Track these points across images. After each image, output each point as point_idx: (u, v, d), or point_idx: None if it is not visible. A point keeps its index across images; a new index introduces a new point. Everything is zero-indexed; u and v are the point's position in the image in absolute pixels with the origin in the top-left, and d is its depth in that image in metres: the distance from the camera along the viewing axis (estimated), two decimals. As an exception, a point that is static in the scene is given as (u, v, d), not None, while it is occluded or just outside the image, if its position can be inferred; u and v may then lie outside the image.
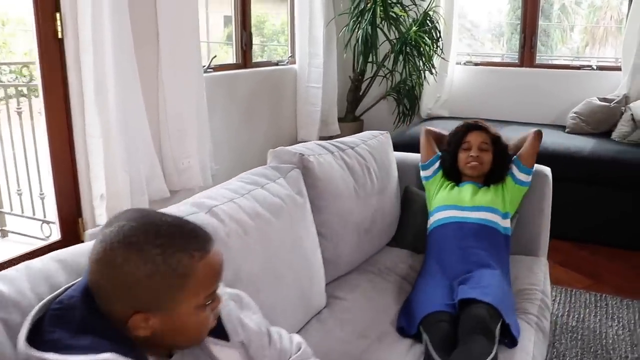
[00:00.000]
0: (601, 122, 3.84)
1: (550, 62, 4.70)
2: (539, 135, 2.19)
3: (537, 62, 4.52)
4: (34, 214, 3.43)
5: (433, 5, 4.20)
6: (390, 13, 4.06)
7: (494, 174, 2.14)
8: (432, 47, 4.18)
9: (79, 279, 0.93)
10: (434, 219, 2.11)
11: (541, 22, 4.69)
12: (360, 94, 4.57)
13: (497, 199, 2.08)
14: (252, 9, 3.92)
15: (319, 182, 1.86)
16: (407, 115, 4.56)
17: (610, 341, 2.36)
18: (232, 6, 3.78)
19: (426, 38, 4.11)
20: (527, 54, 4.48)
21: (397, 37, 4.18)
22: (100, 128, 2.49)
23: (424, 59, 4.17)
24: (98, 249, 0.86)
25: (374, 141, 2.27)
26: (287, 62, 4.39)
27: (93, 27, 2.34)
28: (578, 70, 4.35)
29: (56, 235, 2.68)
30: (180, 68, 2.93)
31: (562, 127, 4.08)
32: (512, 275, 1.99)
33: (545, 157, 2.54)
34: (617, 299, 2.69)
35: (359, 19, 4.10)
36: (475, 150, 2.13)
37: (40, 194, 3.29)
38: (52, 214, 2.71)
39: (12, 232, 3.40)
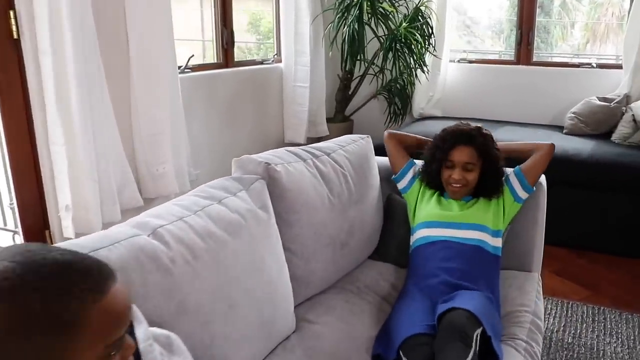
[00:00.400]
0: (601, 122, 3.67)
1: (548, 59, 4.52)
2: (552, 150, 1.99)
3: (534, 60, 4.35)
4: (5, 225, 3.26)
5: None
6: (378, 8, 3.89)
7: (484, 188, 1.95)
8: (423, 44, 4.00)
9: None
10: (417, 236, 1.94)
11: (541, 19, 4.53)
12: (350, 93, 4.41)
13: (487, 214, 1.89)
14: (247, 6, 3.74)
15: (288, 193, 1.70)
16: (398, 115, 4.39)
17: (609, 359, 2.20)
18: (211, 3, 3.61)
19: (417, 34, 3.93)
20: (523, 51, 4.31)
21: (386, 33, 4.00)
22: (63, 135, 2.33)
23: (415, 57, 4.00)
24: None
25: (353, 146, 2.11)
26: (273, 61, 4.22)
27: (51, 25, 2.16)
28: (577, 68, 4.17)
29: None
30: (152, 69, 2.77)
31: (559, 128, 3.91)
32: (501, 296, 1.83)
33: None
34: (616, 313, 2.52)
35: (345, 15, 3.93)
36: (459, 172, 1.91)
37: (10, 204, 3.12)
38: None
39: (-18, 243, 3.23)
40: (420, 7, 4.00)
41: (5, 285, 0.67)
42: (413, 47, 3.96)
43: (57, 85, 2.25)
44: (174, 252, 1.23)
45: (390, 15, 3.98)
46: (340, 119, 4.46)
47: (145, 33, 2.69)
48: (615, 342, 2.31)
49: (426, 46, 4.06)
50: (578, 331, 2.38)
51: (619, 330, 2.39)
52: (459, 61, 4.54)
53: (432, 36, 4.09)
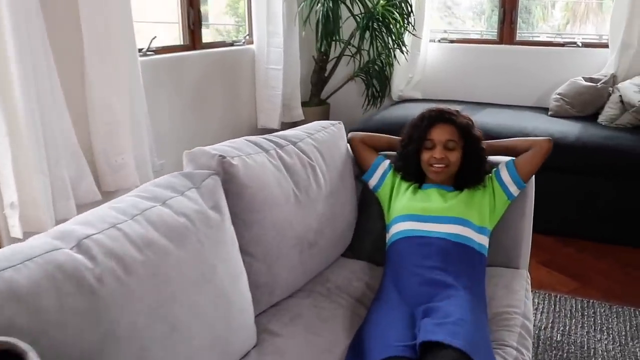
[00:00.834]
0: (587, 104, 3.51)
1: (532, 39, 4.34)
2: (550, 146, 1.78)
3: (517, 39, 4.18)
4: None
5: (403, -24, 3.82)
6: (354, -15, 3.68)
7: (466, 174, 1.77)
8: (402, 23, 3.80)
9: None
10: (393, 231, 1.75)
11: (524, -3, 4.33)
12: (326, 75, 4.20)
13: (471, 208, 1.71)
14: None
15: (246, 189, 1.51)
16: (377, 98, 4.20)
17: (600, 358, 2.05)
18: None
19: (395, 13, 3.73)
20: (506, 30, 4.13)
21: (363, 12, 3.79)
22: (5, 124, 2.11)
23: (393, 36, 3.80)
24: None
25: (322, 134, 1.91)
26: (244, 42, 4.00)
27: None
28: (562, 48, 4.01)
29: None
30: (108, 52, 2.54)
31: (544, 110, 3.75)
32: (487, 296, 1.66)
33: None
34: (606, 306, 2.38)
35: (319, -8, 3.71)
36: (440, 151, 1.73)
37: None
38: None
39: None
40: (399, -16, 3.80)
41: None
42: (391, 26, 3.76)
43: (-4, 71, 2.03)
44: (101, 268, 1.03)
45: (366, -8, 3.77)
46: (316, 102, 4.26)
47: (100, 10, 2.46)
48: (606, 338, 2.16)
49: (405, 25, 3.85)
50: (567, 327, 2.23)
51: (610, 326, 2.24)
52: (439, 41, 4.35)
53: (412, 15, 3.89)
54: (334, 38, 3.88)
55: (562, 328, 2.23)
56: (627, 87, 3.28)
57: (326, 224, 1.77)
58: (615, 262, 2.81)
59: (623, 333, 2.20)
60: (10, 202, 2.21)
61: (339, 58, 4.12)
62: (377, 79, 4.14)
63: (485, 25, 5.48)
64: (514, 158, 1.80)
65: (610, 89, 3.46)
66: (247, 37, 4.04)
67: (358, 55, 4.09)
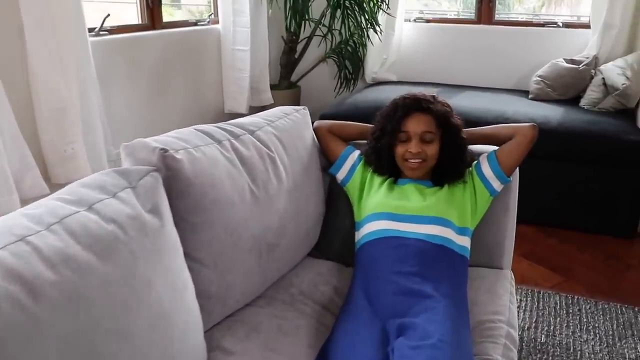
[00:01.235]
0: (569, 86, 3.36)
1: (511, 19, 4.17)
2: (535, 133, 1.58)
3: (496, 19, 4.00)
4: None
5: (376, -49, 3.61)
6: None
7: (445, 169, 1.59)
8: (375, 2, 3.60)
9: None
10: (365, 230, 1.56)
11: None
12: (296, 57, 3.99)
13: (452, 207, 1.53)
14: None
15: (193, 187, 1.30)
16: (350, 81, 4.01)
17: (587, 361, 1.91)
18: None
19: (369, -10, 3.52)
20: (485, 10, 3.96)
21: (334, -11, 3.59)
22: None
23: (366, 15, 3.59)
24: None
25: (284, 121, 1.71)
26: (209, 22, 3.76)
27: None
28: (542, 28, 3.84)
29: None
30: (52, 31, 2.31)
31: (524, 93, 3.59)
32: (469, 302, 1.49)
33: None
34: (592, 302, 2.24)
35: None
36: (416, 144, 1.54)
37: None
38: None
39: None
40: (372, -41, 3.59)
41: None
42: (364, 4, 3.56)
43: None
44: (-2, 294, 0.83)
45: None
46: (286, 85, 4.06)
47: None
48: (592, 339, 2.03)
49: (379, 3, 3.65)
50: (552, 327, 2.09)
51: (596, 325, 2.10)
52: (415, 20, 4.15)
53: (385, -8, 3.69)
54: (303, 17, 3.67)
55: (546, 328, 2.08)
56: (610, 69, 3.13)
57: (289, 222, 1.58)
58: (599, 253, 2.67)
59: (610, 332, 2.06)
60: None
61: (309, 38, 3.92)
62: (349, 60, 3.95)
63: (462, 6, 5.31)
64: (495, 149, 1.62)
65: (593, 71, 3.32)
66: (212, 16, 3.80)
67: (330, 36, 3.89)
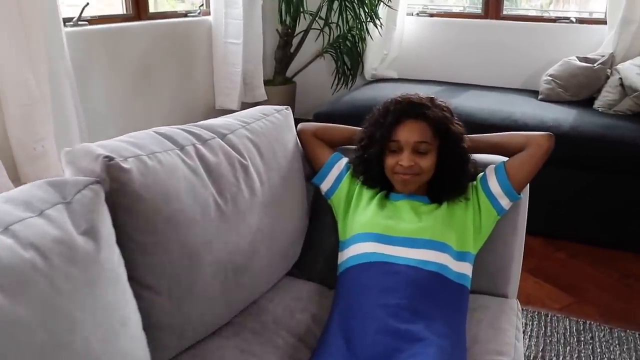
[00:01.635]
0: (582, 87, 3.13)
1: (520, 13, 3.94)
2: (550, 144, 1.37)
3: (504, 14, 3.77)
4: None
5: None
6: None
7: (442, 184, 1.37)
8: (376, -7, 3.38)
9: None
10: (350, 253, 1.34)
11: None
12: (292, 51, 3.77)
13: (450, 229, 1.31)
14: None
15: (143, 203, 1.09)
16: (348, 77, 3.79)
17: (601, 397, 1.69)
18: None
19: (368, -19, 3.30)
20: (492, 4, 3.73)
21: (331, -21, 3.37)
22: None
23: (366, 8, 3.37)
24: None
25: (262, 123, 1.50)
26: (200, 13, 3.54)
27: None
28: (553, 24, 3.61)
29: None
30: (22, 22, 2.12)
31: (534, 93, 3.36)
32: (468, 338, 1.27)
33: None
34: (606, 329, 2.02)
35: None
36: (408, 156, 1.32)
37: None
38: None
39: None
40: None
41: None
42: (364, -4, 3.34)
43: None
44: None
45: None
46: (281, 81, 3.84)
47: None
48: (607, 371, 1.81)
49: (379, -5, 3.43)
50: (560, 358, 1.87)
51: (612, 356, 1.88)
52: (418, 14, 3.92)
53: (387, -16, 3.47)
54: (299, 9, 3.45)
55: (554, 358, 1.87)
56: (629, 68, 2.90)
57: (262, 241, 1.36)
58: (614, 271, 2.44)
59: (627, 364, 1.84)
60: None
61: (306, 32, 3.70)
62: (348, 55, 3.74)
63: (468, 0, 5.08)
64: (504, 160, 1.40)
65: (609, 70, 3.08)
66: (203, 7, 3.58)
67: (327, 29, 3.67)
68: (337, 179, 1.48)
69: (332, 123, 1.61)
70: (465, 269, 1.30)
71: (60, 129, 2.37)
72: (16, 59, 2.11)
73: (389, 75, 3.89)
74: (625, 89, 2.86)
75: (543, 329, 2.02)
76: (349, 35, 3.66)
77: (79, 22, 2.70)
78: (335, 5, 3.39)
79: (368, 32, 3.64)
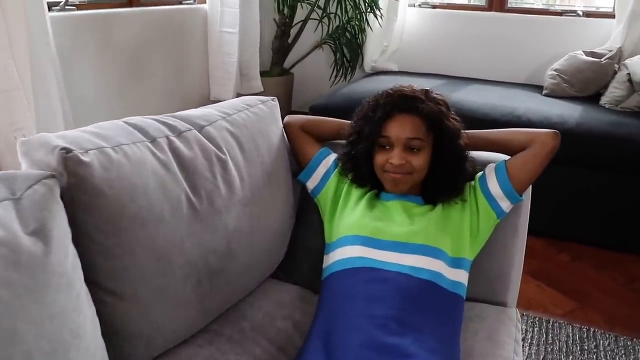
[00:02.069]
0: (588, 82, 3.01)
1: (524, 6, 3.82)
2: (556, 142, 1.25)
3: (509, 6, 3.65)
4: None
5: None
6: None
7: (437, 184, 1.26)
8: (376, -18, 3.26)
9: None
10: (333, 257, 1.24)
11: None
12: (289, 41, 3.67)
13: (444, 233, 1.20)
14: None
15: (104, 200, 0.99)
16: (347, 69, 3.68)
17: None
18: None
19: (368, -30, 3.19)
20: (497, -5, 3.60)
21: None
22: None
23: (366, -2, 3.27)
24: None
25: (245, 114, 1.39)
26: (195, 1, 3.44)
27: None
28: (559, 17, 3.49)
29: None
30: (1, 5, 2.02)
31: (538, 88, 3.24)
32: (463, 351, 1.17)
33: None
34: (611, 337, 1.91)
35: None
36: (399, 154, 1.20)
37: None
38: None
39: None
40: None
41: None
42: (364, -15, 3.23)
43: None
44: None
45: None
46: (278, 72, 3.74)
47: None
48: (612, 383, 1.71)
49: (379, -15, 3.32)
50: (563, 367, 1.77)
51: (617, 365, 1.78)
52: (420, 5, 3.81)
53: (388, -27, 3.35)
54: (298, -1, 3.35)
55: (556, 368, 1.77)
56: (637, 63, 2.78)
57: (240, 242, 1.26)
58: (619, 274, 2.34)
59: (633, 375, 1.74)
60: None
61: (304, 22, 3.59)
62: (347, 47, 3.63)
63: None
64: (505, 159, 1.29)
65: (616, 65, 2.97)
66: (198, -5, 3.48)
67: (326, 20, 3.55)
68: (324, 177, 1.37)
69: (329, 116, 1.50)
70: (460, 276, 1.19)
71: (43, 118, 2.28)
72: (-3, 43, 2.02)
73: (389, 67, 3.78)
74: (633, 84, 2.75)
75: (544, 336, 1.91)
76: (349, 26, 3.55)
77: (66, 7, 2.60)
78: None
79: (368, 23, 3.53)
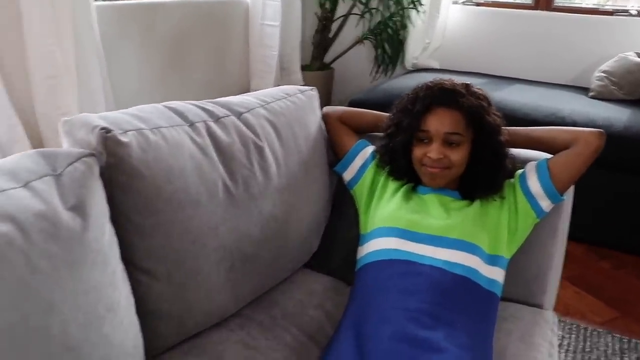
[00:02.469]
0: (638, 85, 2.91)
1: (572, 5, 3.72)
2: (601, 142, 1.22)
3: (556, 5, 3.55)
4: None
5: None
6: None
7: (475, 180, 1.23)
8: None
9: None
10: (370, 248, 1.22)
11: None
12: (330, 36, 3.65)
13: (482, 228, 1.18)
14: None
15: (141, 181, 1.00)
16: (388, 65, 3.64)
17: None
18: None
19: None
20: (544, -6, 3.52)
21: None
22: None
23: (408, -6, 3.23)
24: None
25: (283, 103, 1.39)
26: (237, -7, 3.45)
27: None
28: (610, 17, 3.38)
29: None
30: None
31: (584, 90, 3.14)
32: (495, 351, 1.14)
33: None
34: (653, 347, 1.85)
35: None
36: (438, 148, 1.18)
37: None
38: None
39: None
40: None
41: None
42: (407, -20, 3.19)
43: None
44: None
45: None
46: (318, 66, 3.72)
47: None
48: (651, 395, 1.65)
49: (423, -19, 3.28)
50: (599, 376, 1.72)
51: (657, 377, 1.72)
52: (463, 3, 3.73)
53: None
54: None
55: (592, 376, 1.72)
56: (691, 67, 2.68)
57: (275, 229, 1.26)
58: (663, 285, 2.26)
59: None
60: None
61: (346, 17, 3.57)
62: (388, 43, 3.59)
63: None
64: (548, 157, 1.26)
65: (669, 68, 2.86)
66: (241, -13, 3.49)
67: (368, 15, 3.53)
68: (360, 168, 1.36)
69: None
70: (496, 274, 1.16)
71: (86, 104, 2.32)
72: (43, 30, 2.06)
73: (430, 65, 3.73)
74: (686, 89, 2.65)
75: (582, 343, 1.86)
76: (390, 21, 3.51)
77: (114, -3, 2.66)
78: (377, -11, 3.26)
79: (410, 20, 3.48)
